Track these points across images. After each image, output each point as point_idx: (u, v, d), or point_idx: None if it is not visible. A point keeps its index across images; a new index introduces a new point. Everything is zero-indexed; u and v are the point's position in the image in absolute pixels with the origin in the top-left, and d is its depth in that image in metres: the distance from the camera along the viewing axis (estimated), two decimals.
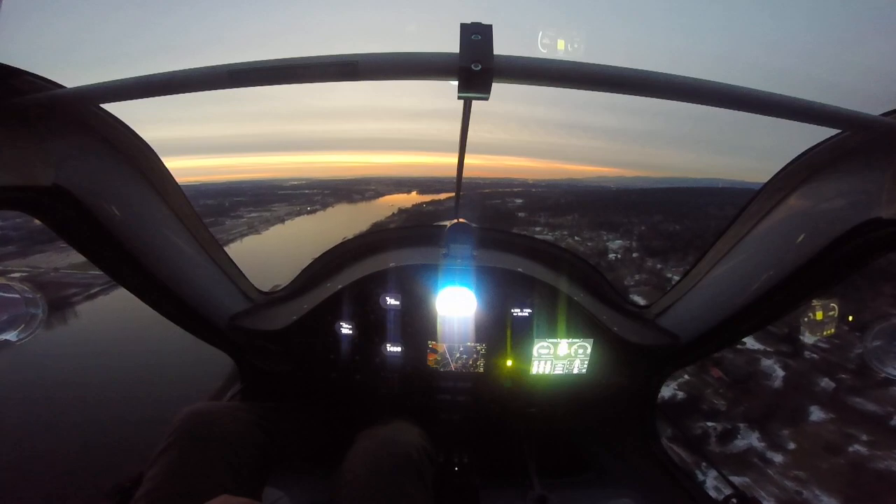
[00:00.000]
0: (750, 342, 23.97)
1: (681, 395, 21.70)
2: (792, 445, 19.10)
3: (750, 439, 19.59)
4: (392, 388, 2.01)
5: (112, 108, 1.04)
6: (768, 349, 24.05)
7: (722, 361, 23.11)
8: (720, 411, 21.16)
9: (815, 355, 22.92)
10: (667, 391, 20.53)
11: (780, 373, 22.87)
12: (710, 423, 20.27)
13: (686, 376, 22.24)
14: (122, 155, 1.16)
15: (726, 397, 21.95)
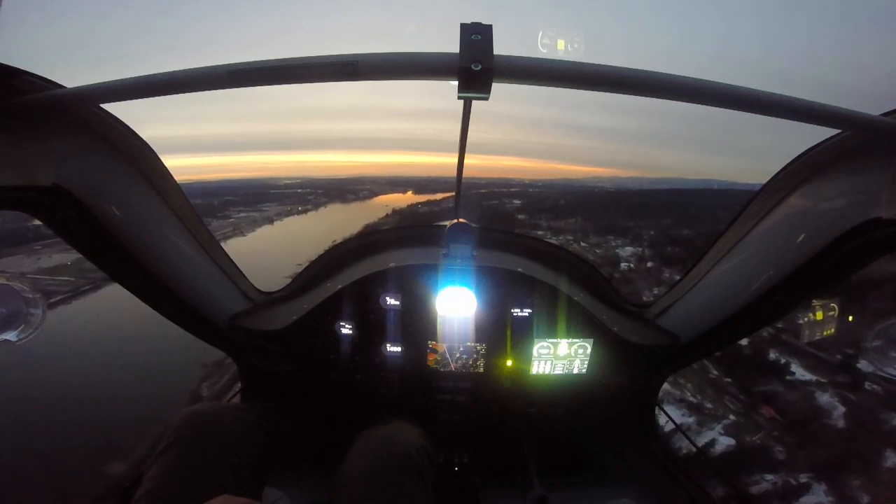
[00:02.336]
0: (800, 372, 19.98)
1: (729, 442, 17.44)
2: (866, 499, 15.82)
3: (817, 495, 15.92)
4: (392, 388, 2.01)
5: (111, 107, 1.05)
6: (822, 380, 19.64)
7: (774, 398, 19.22)
8: (779, 461, 16.96)
9: (877, 386, 18.54)
10: (717, 440, 17.23)
11: (841, 409, 18.54)
12: (768, 477, 16.20)
13: (732, 417, 18.38)
14: (122, 155, 1.16)
15: (784, 442, 17.49)
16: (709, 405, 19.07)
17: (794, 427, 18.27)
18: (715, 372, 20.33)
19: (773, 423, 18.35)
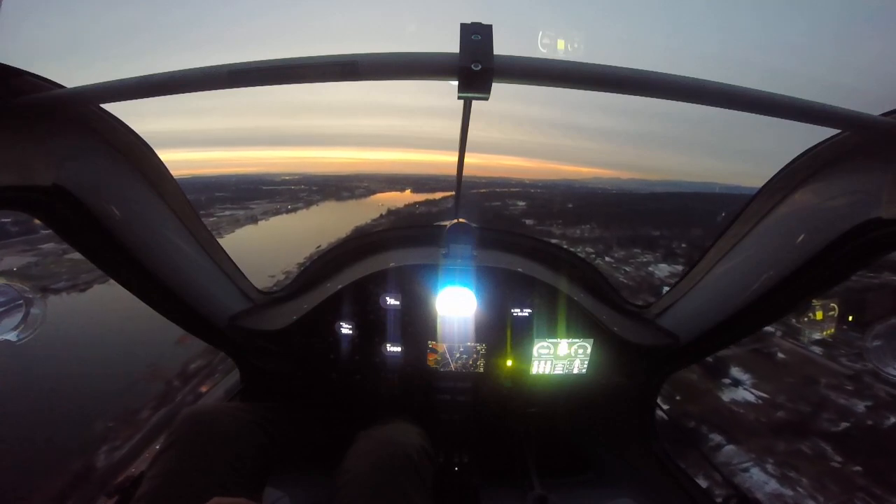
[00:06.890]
0: None
1: None
2: None
3: None
4: (392, 388, 2.01)
5: (111, 105, 1.04)
6: None
7: None
8: None
9: None
10: None
11: None
12: None
13: None
14: (122, 155, 1.16)
15: None
16: None
17: None
18: (838, 459, 13.27)
19: None
